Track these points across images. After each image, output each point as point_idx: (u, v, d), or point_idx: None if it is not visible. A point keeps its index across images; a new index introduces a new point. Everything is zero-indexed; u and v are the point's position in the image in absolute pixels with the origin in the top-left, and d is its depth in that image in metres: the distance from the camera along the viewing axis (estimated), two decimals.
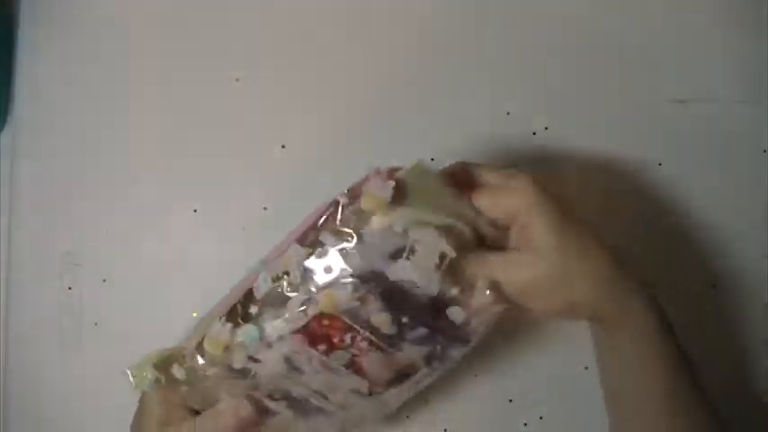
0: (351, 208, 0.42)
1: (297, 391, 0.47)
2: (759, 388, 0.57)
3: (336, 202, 0.43)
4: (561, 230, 0.43)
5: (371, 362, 0.45)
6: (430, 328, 0.44)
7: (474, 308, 0.43)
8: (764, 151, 0.58)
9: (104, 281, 0.58)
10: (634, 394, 0.47)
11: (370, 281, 0.42)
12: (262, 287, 0.44)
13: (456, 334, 0.45)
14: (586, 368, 0.56)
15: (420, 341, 0.44)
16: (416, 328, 0.44)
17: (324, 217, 0.43)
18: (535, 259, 0.43)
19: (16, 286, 0.58)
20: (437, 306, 0.43)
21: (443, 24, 0.58)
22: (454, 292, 0.43)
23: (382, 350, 0.44)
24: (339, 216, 0.42)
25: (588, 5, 0.58)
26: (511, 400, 0.56)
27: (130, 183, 0.58)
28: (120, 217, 0.58)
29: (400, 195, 0.42)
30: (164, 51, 0.59)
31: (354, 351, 0.44)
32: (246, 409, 0.47)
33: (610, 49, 0.58)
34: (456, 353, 0.46)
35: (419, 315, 0.43)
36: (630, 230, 0.57)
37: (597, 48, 0.58)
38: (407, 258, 0.42)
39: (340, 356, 0.44)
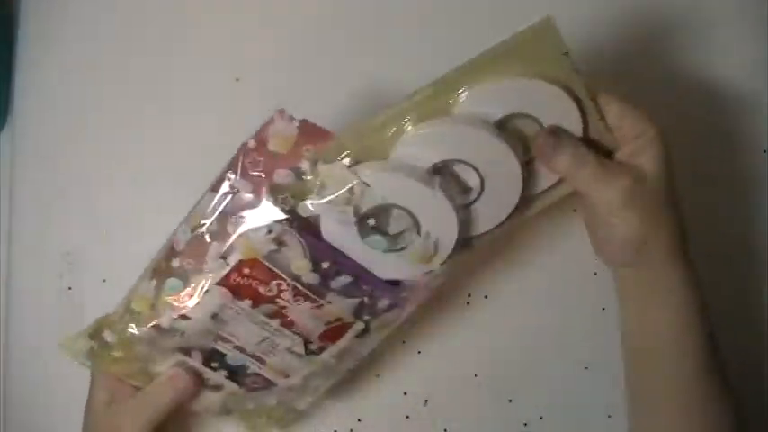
0: (260, 150, 0.42)
1: (233, 356, 0.47)
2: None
3: (245, 147, 0.43)
4: (672, 174, 0.45)
5: (300, 314, 0.45)
6: (353, 274, 0.44)
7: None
8: (764, 151, 0.58)
9: (104, 281, 0.58)
10: (665, 355, 0.47)
11: (284, 221, 0.42)
12: (181, 239, 0.44)
13: (383, 282, 0.44)
14: (586, 368, 0.56)
15: (346, 291, 0.44)
16: (340, 276, 0.44)
17: (235, 163, 0.43)
18: (647, 177, 0.44)
19: (16, 286, 0.58)
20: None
21: (445, 30, 0.59)
22: (371, 222, 0.43)
23: (310, 301, 0.44)
24: (248, 160, 0.42)
25: (588, 5, 0.58)
26: (511, 400, 0.56)
27: (130, 183, 0.58)
28: (120, 217, 0.58)
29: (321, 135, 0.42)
30: (164, 52, 0.59)
31: (281, 302, 0.44)
32: (184, 380, 0.47)
33: (610, 49, 0.58)
34: (385, 304, 0.45)
35: (340, 259, 0.43)
36: None
37: (597, 47, 0.58)
38: (317, 194, 0.42)
39: (267, 309, 0.44)
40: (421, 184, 0.42)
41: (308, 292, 0.44)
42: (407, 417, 0.56)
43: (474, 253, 0.46)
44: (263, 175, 0.42)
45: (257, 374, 0.48)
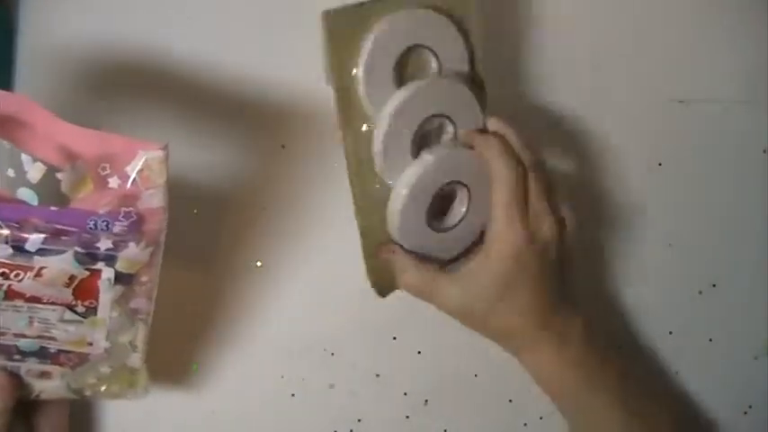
0: None
1: (23, 344, 0.44)
2: (759, 389, 0.57)
3: None
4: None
5: (31, 287, 0.41)
6: (42, 231, 0.39)
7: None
8: (764, 151, 0.59)
9: None
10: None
11: None
12: None
13: (75, 223, 0.39)
14: None
15: (48, 250, 0.39)
16: (29, 237, 0.39)
17: None
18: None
19: None
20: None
21: None
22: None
23: (24, 271, 0.40)
24: None
25: (589, 5, 0.58)
26: (511, 400, 0.56)
27: None
28: None
29: None
30: (163, 54, 0.59)
31: (2, 283, 0.40)
32: (3, 377, 0.45)
33: (610, 49, 0.58)
34: (108, 244, 0.40)
35: (17, 217, 0.39)
36: (631, 229, 0.57)
37: (597, 47, 0.58)
38: None
39: None
40: None
41: (13, 264, 0.40)
42: (407, 417, 0.56)
43: None
44: None
45: (63, 351, 0.45)
